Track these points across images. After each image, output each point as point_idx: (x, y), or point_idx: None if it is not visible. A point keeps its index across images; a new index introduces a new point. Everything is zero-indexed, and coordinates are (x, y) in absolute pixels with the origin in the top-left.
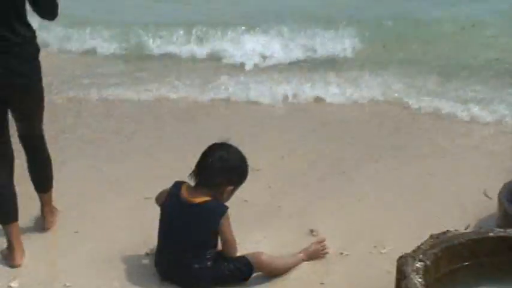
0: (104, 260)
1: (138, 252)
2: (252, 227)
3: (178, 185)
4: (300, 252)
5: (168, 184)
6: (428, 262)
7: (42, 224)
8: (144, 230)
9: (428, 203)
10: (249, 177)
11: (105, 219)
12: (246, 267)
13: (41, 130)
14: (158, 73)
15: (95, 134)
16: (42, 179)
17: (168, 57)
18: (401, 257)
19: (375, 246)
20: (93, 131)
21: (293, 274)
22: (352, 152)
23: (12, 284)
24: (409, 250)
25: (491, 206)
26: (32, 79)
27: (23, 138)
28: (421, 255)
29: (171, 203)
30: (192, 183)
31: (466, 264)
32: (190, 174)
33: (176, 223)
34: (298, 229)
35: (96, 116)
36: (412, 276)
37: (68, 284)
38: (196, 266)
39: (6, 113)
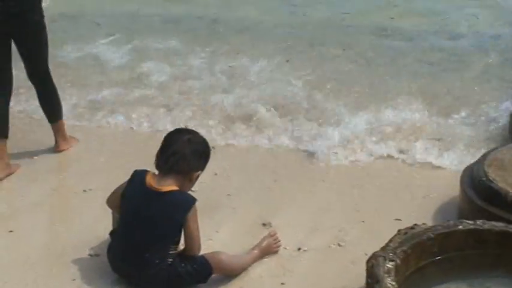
0: (43, 260)
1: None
2: (201, 219)
3: (141, 173)
4: (253, 249)
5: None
6: (398, 261)
7: (54, 148)
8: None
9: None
10: None
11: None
12: (204, 268)
13: (45, 66)
14: None
15: None
16: (50, 110)
17: None
18: (371, 258)
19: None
20: None
21: (252, 273)
22: None
23: None
24: (368, 243)
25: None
26: (29, 12)
27: (31, 76)
28: (391, 254)
29: (135, 192)
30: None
31: (435, 260)
32: (155, 162)
33: (143, 213)
34: (250, 221)
35: None
36: (385, 279)
37: None
38: (157, 261)
39: (9, 46)
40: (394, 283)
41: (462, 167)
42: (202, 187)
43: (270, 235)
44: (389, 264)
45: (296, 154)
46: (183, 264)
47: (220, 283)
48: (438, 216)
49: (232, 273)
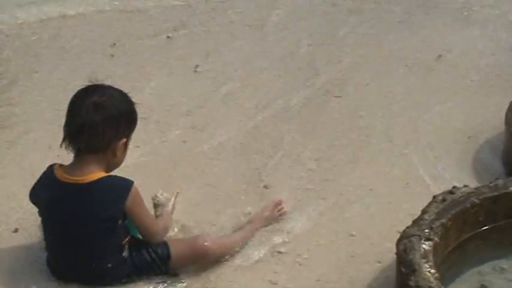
0: None
1: None
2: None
3: (49, 169)
4: (250, 222)
5: None
6: (436, 238)
7: None
8: None
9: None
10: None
11: None
12: (163, 256)
13: None
14: None
15: None
16: None
17: None
18: (402, 238)
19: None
20: None
21: (248, 252)
22: None
23: None
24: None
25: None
26: None
27: None
28: (427, 231)
29: (48, 191)
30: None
31: (481, 231)
32: (62, 143)
33: (64, 216)
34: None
35: None
36: (423, 267)
37: None
38: (109, 265)
39: None
40: (434, 271)
41: None
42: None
43: (274, 204)
44: (426, 245)
45: None
46: (145, 250)
47: (202, 270)
48: (481, 171)
49: (221, 257)
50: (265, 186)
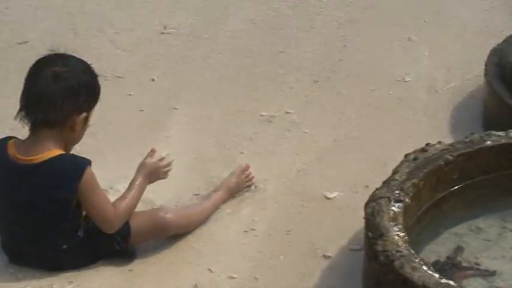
0: None
1: None
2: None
3: (1, 144)
4: (216, 190)
5: None
6: (407, 199)
7: None
8: None
9: None
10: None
11: None
12: (122, 227)
13: None
14: None
15: None
16: None
17: None
18: (370, 201)
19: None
20: None
21: (215, 223)
22: None
23: None
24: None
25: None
26: None
27: None
28: (397, 192)
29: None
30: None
31: (456, 189)
32: (17, 115)
33: (15, 197)
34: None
35: None
36: (391, 231)
37: None
38: (64, 247)
39: None
40: (403, 234)
41: None
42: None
43: (241, 170)
44: (395, 207)
45: None
46: (99, 231)
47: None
48: (457, 126)
49: (187, 230)
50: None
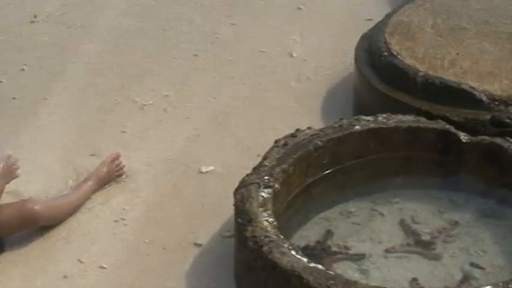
0: None
1: None
2: None
3: None
4: (86, 180)
5: None
6: (277, 185)
7: None
8: None
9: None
10: None
11: None
12: None
13: None
14: None
15: None
16: None
17: None
18: (240, 187)
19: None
20: None
21: (85, 214)
22: None
23: None
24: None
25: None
26: None
27: None
28: (266, 178)
29: None
30: None
31: (326, 174)
32: None
33: None
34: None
35: None
36: (260, 216)
37: None
38: None
39: None
40: (272, 219)
41: None
42: None
43: (111, 159)
44: (265, 193)
45: None
46: None
47: (36, 235)
48: (328, 112)
49: (57, 221)
50: None
